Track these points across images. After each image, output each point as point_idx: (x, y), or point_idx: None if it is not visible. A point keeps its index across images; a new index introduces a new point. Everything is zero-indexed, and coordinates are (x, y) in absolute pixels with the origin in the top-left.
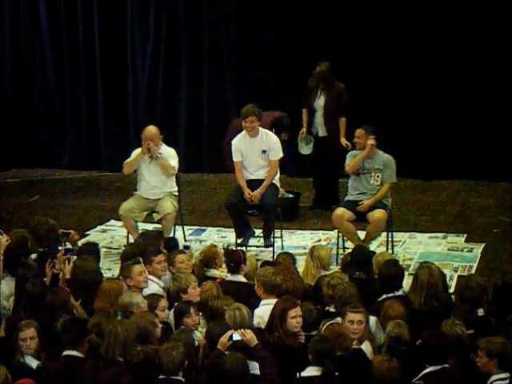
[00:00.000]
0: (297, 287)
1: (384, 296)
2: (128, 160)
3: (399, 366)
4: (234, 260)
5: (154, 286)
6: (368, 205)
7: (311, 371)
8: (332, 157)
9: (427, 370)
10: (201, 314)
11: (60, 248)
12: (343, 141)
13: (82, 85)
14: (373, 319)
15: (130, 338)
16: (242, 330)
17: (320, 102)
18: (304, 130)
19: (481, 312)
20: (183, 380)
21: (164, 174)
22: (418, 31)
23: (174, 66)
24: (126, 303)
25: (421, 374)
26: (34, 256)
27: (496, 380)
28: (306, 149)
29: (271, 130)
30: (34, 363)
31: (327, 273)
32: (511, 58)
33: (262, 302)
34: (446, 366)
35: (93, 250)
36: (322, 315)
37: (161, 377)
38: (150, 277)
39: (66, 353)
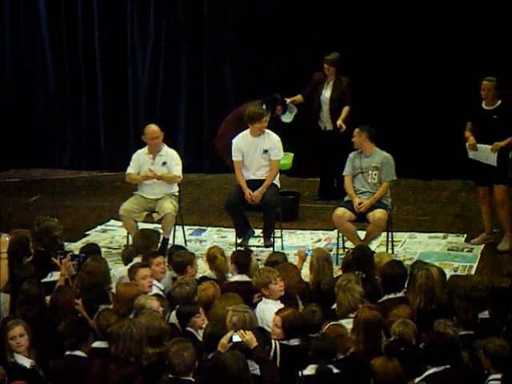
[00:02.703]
0: (293, 286)
1: (385, 297)
2: (132, 173)
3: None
4: (245, 261)
5: (153, 289)
6: (368, 204)
7: (312, 370)
8: (339, 151)
9: (430, 371)
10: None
11: (67, 253)
12: (339, 122)
13: (81, 85)
14: None
15: (144, 339)
16: (242, 331)
17: (326, 94)
18: (289, 100)
19: (485, 314)
20: (193, 380)
21: (171, 184)
22: (419, 31)
23: (174, 66)
24: (140, 305)
25: (423, 375)
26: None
27: (491, 380)
28: (288, 117)
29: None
30: (26, 362)
31: (339, 274)
32: None
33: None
34: (448, 366)
35: (94, 250)
36: (325, 316)
37: (170, 376)
38: None
39: (68, 352)
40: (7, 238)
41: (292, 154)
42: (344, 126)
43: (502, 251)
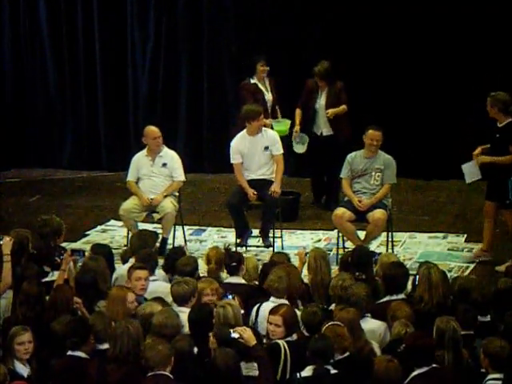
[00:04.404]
0: (294, 287)
1: (386, 298)
2: (132, 184)
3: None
4: (236, 260)
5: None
6: (368, 204)
7: (310, 371)
8: (339, 155)
9: (415, 373)
10: None
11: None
12: (330, 110)
13: (81, 85)
14: (382, 325)
15: (141, 338)
16: (240, 328)
17: (321, 101)
18: (297, 128)
19: (487, 317)
20: (169, 375)
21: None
22: (419, 31)
23: (174, 66)
24: (148, 313)
25: (409, 378)
26: None
27: (490, 379)
28: (301, 147)
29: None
30: (24, 372)
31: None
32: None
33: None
34: (434, 365)
35: (103, 251)
36: (326, 316)
37: (149, 374)
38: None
39: (70, 353)
40: (10, 240)
41: (289, 121)
42: (330, 113)
43: (499, 272)
